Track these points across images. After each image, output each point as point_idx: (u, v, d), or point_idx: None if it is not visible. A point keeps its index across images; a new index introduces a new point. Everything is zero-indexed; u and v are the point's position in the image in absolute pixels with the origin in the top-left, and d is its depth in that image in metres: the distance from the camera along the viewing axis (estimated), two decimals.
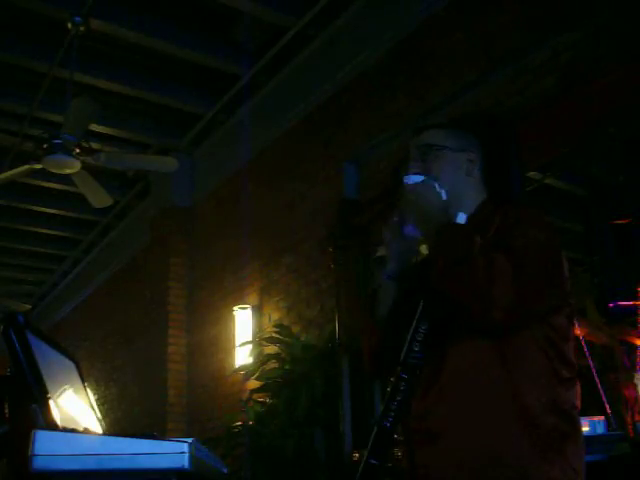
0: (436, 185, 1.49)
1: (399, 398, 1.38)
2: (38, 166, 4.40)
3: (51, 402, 1.20)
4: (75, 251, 8.41)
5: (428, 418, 1.38)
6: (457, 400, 1.37)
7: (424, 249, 1.57)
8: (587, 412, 3.10)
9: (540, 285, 1.37)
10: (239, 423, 3.88)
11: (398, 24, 4.04)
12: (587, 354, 3.13)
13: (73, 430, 1.20)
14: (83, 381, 1.69)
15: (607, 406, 3.02)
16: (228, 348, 5.22)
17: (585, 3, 3.08)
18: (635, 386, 3.53)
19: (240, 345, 4.80)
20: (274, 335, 4.21)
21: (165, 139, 6.00)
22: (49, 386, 1.23)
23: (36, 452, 1.09)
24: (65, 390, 1.42)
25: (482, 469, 1.32)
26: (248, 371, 4.40)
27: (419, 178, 1.49)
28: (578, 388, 1.54)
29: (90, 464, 1.11)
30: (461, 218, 1.48)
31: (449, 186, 1.52)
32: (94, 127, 5.24)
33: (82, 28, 4.37)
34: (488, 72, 3.46)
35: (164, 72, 5.14)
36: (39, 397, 1.18)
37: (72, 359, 1.67)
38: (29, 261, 8.68)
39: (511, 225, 1.42)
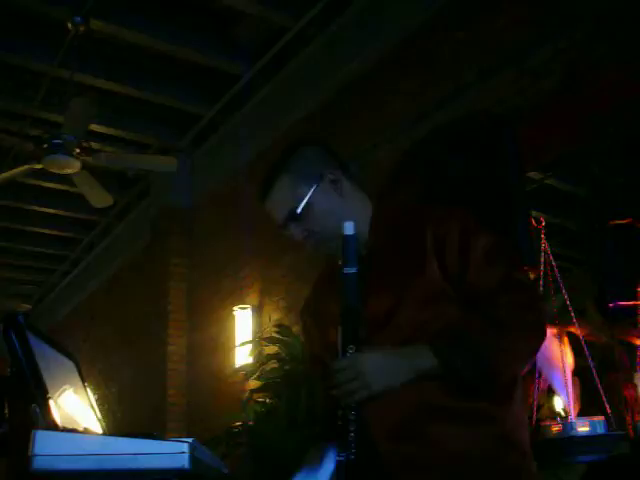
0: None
1: (353, 428, 1.29)
2: (38, 166, 4.40)
3: (51, 402, 1.20)
4: (75, 251, 8.41)
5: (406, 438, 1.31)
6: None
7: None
8: (587, 412, 3.10)
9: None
10: (239, 423, 3.88)
11: (398, 24, 4.04)
12: (587, 354, 3.13)
13: (73, 430, 1.20)
14: (83, 381, 1.68)
15: (607, 406, 3.02)
16: (228, 348, 5.21)
17: (585, 3, 3.08)
18: (635, 386, 3.53)
19: (240, 345, 4.80)
20: (274, 335, 4.20)
21: (165, 139, 6.00)
22: (49, 386, 1.23)
23: (36, 452, 1.09)
24: (65, 390, 1.42)
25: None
26: (248, 371, 4.40)
27: (350, 226, 1.37)
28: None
29: (90, 464, 1.11)
30: (348, 228, 1.36)
31: (338, 221, 1.40)
32: (94, 127, 5.24)
33: (82, 28, 4.37)
34: (488, 72, 3.46)
35: (164, 72, 5.14)
36: (39, 397, 1.18)
37: (72, 359, 1.67)
38: (29, 261, 8.67)
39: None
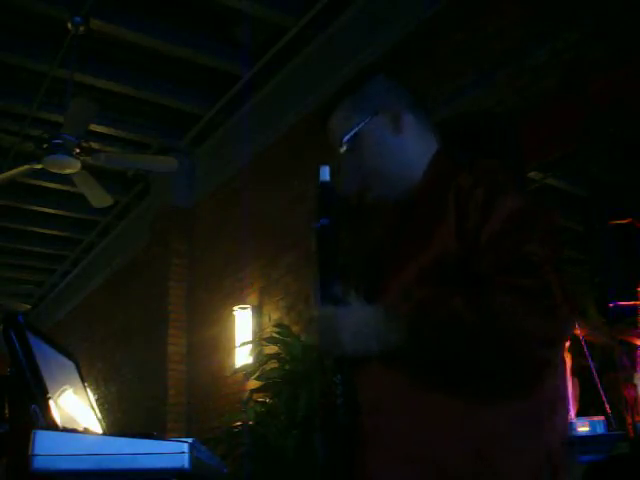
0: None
1: (340, 392, 1.25)
2: (38, 166, 4.40)
3: (51, 402, 1.20)
4: (75, 251, 8.41)
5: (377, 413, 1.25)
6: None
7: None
8: (587, 412, 3.10)
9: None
10: (239, 423, 3.88)
11: (398, 24, 4.04)
12: (587, 354, 3.13)
13: (73, 430, 1.20)
14: (83, 381, 1.68)
15: (607, 406, 3.02)
16: (228, 348, 5.22)
17: (585, 3, 3.08)
18: (635, 386, 3.53)
19: (240, 345, 4.80)
20: (274, 335, 4.20)
21: (165, 139, 6.00)
22: (49, 386, 1.23)
23: (36, 452, 1.09)
24: (65, 390, 1.42)
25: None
26: (248, 371, 4.40)
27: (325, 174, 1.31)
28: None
29: (90, 464, 1.11)
30: (323, 174, 1.31)
31: (386, 160, 1.36)
32: (94, 127, 5.24)
33: (82, 28, 4.37)
34: (488, 72, 3.46)
35: (164, 72, 5.14)
36: (39, 397, 1.18)
37: (72, 359, 1.67)
38: (29, 261, 8.68)
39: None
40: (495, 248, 1.19)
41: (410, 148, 1.39)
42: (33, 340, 1.27)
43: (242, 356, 4.83)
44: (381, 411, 1.25)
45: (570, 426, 2.85)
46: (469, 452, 1.17)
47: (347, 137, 1.39)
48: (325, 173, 1.31)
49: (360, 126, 1.39)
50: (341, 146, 1.41)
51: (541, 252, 1.17)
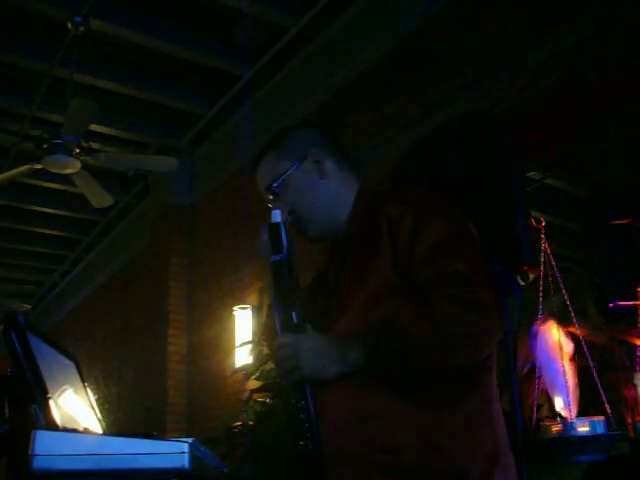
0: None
1: (304, 416, 1.32)
2: (38, 166, 4.40)
3: (51, 402, 1.20)
4: (75, 251, 8.41)
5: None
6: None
7: None
8: (587, 412, 3.10)
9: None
10: (239, 423, 3.88)
11: (398, 24, 4.04)
12: (587, 354, 3.13)
13: (73, 430, 1.20)
14: (83, 381, 1.68)
15: (607, 406, 3.02)
16: (228, 348, 5.21)
17: (585, 3, 3.08)
18: (635, 386, 3.53)
19: (240, 345, 4.80)
20: None
21: (165, 139, 5.99)
22: (49, 386, 1.23)
23: (36, 452, 1.09)
24: (65, 390, 1.42)
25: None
26: (248, 371, 4.39)
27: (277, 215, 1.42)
28: None
29: (90, 464, 1.11)
30: (275, 216, 1.40)
31: (314, 203, 1.48)
32: (94, 127, 5.23)
33: (82, 28, 4.37)
34: (488, 72, 3.46)
35: (164, 72, 5.14)
36: (39, 397, 1.18)
37: (72, 359, 1.67)
38: (29, 261, 8.67)
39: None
40: (427, 269, 1.30)
41: (334, 190, 1.50)
42: (33, 340, 1.27)
43: (242, 356, 4.83)
44: (344, 427, 1.32)
45: (570, 425, 2.85)
46: (430, 448, 1.27)
47: (276, 183, 1.48)
48: (277, 216, 1.40)
49: (288, 172, 1.48)
50: (268, 192, 1.50)
51: (468, 269, 1.29)
